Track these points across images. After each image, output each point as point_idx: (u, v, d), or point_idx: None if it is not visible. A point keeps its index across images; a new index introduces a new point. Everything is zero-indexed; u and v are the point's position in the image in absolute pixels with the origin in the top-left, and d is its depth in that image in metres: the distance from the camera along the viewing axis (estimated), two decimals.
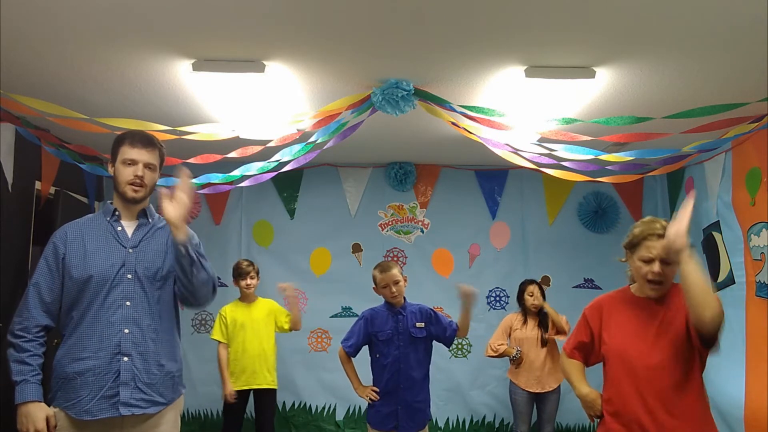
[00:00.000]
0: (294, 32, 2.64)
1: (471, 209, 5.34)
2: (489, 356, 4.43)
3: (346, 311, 5.20)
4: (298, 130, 3.36)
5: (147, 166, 2.24)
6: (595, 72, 2.99)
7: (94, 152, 3.82)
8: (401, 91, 3.09)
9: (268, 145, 3.45)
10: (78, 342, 2.15)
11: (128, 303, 2.18)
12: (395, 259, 5.28)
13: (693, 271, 1.99)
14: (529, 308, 4.41)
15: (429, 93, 3.18)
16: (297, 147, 3.41)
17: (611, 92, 3.32)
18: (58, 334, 2.25)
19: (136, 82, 3.21)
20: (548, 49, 2.79)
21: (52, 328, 2.21)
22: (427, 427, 3.43)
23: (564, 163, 3.49)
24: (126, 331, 2.16)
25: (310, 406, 5.13)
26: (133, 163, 2.22)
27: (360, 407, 5.07)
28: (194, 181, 3.68)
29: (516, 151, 3.44)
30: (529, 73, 2.98)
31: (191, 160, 3.54)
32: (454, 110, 3.18)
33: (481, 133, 3.35)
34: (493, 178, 5.36)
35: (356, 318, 3.53)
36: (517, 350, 4.32)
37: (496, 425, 5.16)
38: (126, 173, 2.22)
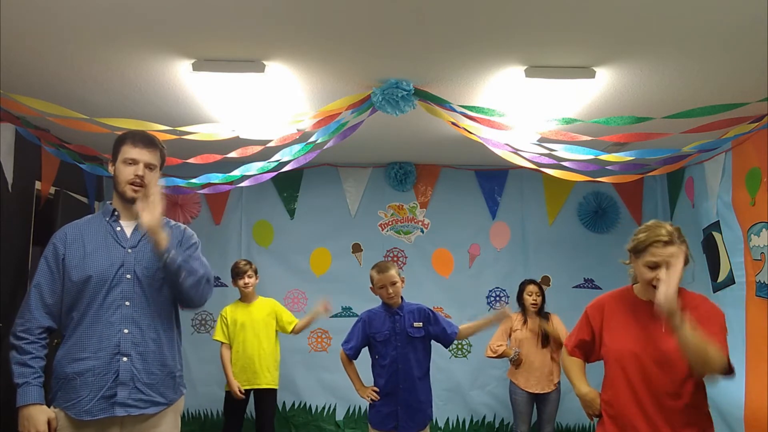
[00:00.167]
0: (294, 32, 2.64)
1: (471, 209, 5.34)
2: (488, 357, 4.44)
3: (346, 311, 5.20)
4: (298, 130, 3.36)
5: (147, 166, 2.24)
6: (595, 72, 3.00)
7: (94, 152, 3.81)
8: (401, 91, 3.09)
9: (268, 145, 3.45)
10: (78, 342, 2.15)
11: (128, 303, 2.18)
12: (395, 259, 5.28)
13: (689, 337, 1.99)
14: (528, 308, 4.41)
15: (429, 93, 3.18)
16: (297, 147, 3.41)
17: (611, 92, 3.32)
18: (59, 334, 2.25)
19: (136, 82, 3.21)
20: (548, 49, 2.79)
21: (54, 330, 2.21)
22: (428, 427, 3.42)
23: (564, 163, 3.49)
24: (125, 331, 2.16)
25: (310, 406, 5.13)
26: (133, 162, 2.22)
27: (360, 407, 5.07)
28: (194, 181, 3.69)
29: (516, 151, 3.44)
30: (529, 73, 2.98)
31: (191, 160, 3.54)
32: (454, 110, 3.17)
33: (481, 133, 3.34)
34: (493, 178, 5.36)
35: (356, 318, 3.53)
36: (516, 351, 4.31)
37: (496, 425, 5.16)
38: (126, 172, 2.22)
